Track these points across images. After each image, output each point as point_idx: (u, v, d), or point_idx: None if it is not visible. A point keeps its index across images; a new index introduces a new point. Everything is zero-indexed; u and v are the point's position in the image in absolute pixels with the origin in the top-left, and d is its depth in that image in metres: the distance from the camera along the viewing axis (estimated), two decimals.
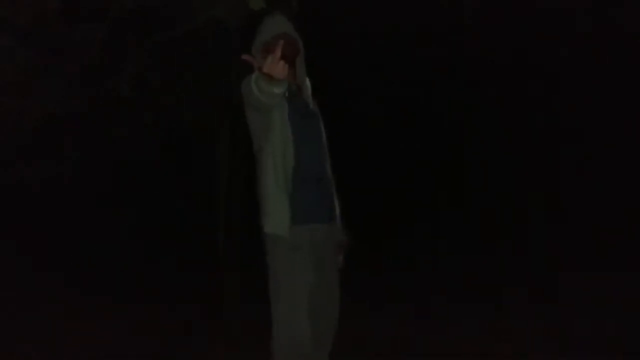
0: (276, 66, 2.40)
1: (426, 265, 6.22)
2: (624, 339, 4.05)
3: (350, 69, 6.07)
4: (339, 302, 2.68)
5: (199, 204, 6.13)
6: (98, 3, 4.64)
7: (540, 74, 6.36)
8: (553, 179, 6.61)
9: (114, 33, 4.63)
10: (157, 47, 4.82)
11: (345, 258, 2.77)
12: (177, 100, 5.16)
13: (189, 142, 6.10)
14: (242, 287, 5.23)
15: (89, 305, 5.03)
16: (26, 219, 5.63)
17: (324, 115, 2.82)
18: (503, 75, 6.36)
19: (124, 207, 6.31)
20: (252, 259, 3.23)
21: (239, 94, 2.63)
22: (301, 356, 2.58)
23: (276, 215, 2.60)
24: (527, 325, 4.49)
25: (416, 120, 7.11)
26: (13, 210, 5.53)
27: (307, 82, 2.80)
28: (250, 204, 3.19)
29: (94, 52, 4.59)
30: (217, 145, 5.41)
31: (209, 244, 5.53)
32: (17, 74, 4.50)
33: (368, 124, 7.00)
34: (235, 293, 5.26)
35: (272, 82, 2.42)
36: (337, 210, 2.72)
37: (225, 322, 4.88)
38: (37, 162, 5.29)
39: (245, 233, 5.19)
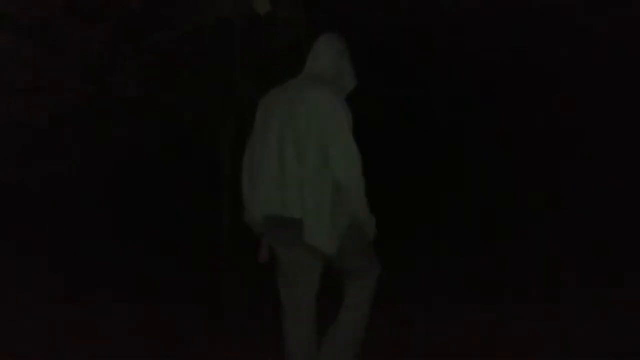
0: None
1: (427, 265, 6.21)
2: (626, 340, 4.04)
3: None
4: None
5: (200, 204, 6.12)
6: (102, 2, 4.63)
7: (541, 73, 6.33)
8: (555, 179, 6.56)
9: (118, 32, 4.63)
10: (161, 46, 4.81)
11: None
12: (180, 99, 5.16)
13: (190, 142, 6.09)
14: (243, 287, 5.22)
15: (87, 305, 5.01)
16: (26, 219, 5.61)
17: None
18: (504, 74, 6.33)
19: (125, 207, 6.30)
20: (253, 259, 3.27)
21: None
22: None
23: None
24: (528, 326, 4.49)
25: (416, 120, 7.09)
26: (13, 209, 5.51)
27: None
28: None
29: (97, 51, 4.59)
30: (220, 145, 5.41)
31: (211, 245, 5.52)
32: (20, 72, 4.49)
33: (368, 124, 6.97)
34: (236, 293, 5.26)
35: None
36: None
37: (226, 321, 4.87)
38: (38, 161, 5.28)
39: (248, 233, 5.24)
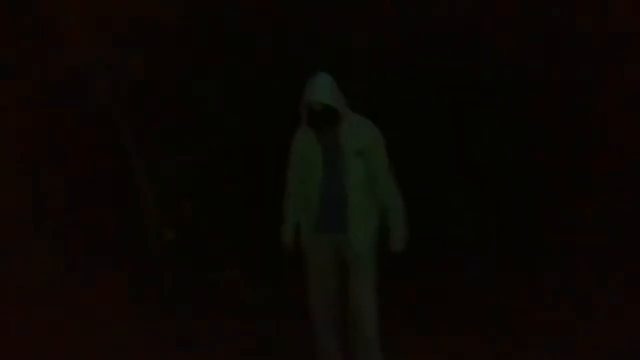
0: None
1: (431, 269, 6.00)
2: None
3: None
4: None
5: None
6: None
7: (556, 77, 6.08)
8: (567, 182, 6.26)
9: None
10: None
11: None
12: None
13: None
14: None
15: (90, 305, 4.92)
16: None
17: None
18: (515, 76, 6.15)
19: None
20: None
21: None
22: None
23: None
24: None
25: (424, 124, 6.88)
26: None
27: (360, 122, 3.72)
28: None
29: None
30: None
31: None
32: None
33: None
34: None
35: None
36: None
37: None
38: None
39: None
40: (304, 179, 3.77)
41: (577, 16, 5.71)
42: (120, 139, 5.20)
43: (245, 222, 5.55)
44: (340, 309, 3.87)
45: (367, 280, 3.75)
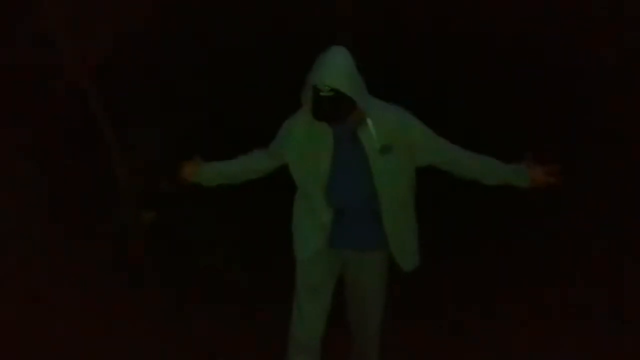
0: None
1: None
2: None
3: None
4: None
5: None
6: None
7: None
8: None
9: None
10: None
11: None
12: None
13: None
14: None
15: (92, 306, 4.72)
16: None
17: None
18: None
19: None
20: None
21: None
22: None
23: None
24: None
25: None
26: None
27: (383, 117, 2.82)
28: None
29: None
30: None
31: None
32: None
33: None
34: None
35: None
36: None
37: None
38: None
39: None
40: (305, 175, 2.97)
41: None
42: (93, 114, 4.92)
43: (230, 203, 5.31)
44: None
45: (379, 312, 3.34)
